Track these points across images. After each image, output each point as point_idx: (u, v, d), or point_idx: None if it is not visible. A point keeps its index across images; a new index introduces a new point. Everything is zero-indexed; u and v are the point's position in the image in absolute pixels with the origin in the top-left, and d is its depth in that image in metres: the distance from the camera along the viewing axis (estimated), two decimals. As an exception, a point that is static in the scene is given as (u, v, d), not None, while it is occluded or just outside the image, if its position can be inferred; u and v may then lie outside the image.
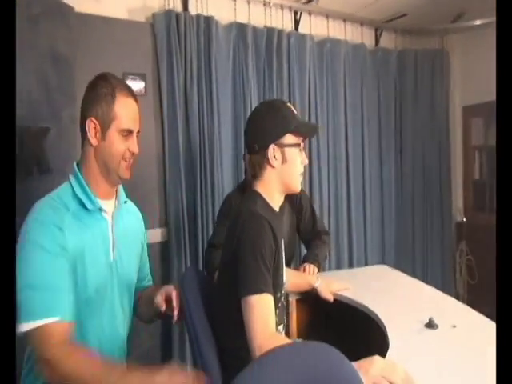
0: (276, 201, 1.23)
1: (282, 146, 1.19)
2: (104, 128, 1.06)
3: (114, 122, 1.06)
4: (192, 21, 2.49)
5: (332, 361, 0.72)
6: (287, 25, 2.98)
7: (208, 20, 2.53)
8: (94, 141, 1.06)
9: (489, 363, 1.02)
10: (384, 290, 1.74)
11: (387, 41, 3.53)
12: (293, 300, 1.79)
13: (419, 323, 1.35)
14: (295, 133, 1.21)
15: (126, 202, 1.23)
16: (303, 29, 3.04)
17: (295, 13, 3.03)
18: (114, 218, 1.13)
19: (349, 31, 3.31)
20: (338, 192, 3.16)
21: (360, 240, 3.28)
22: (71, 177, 1.08)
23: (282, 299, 1.22)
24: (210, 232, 2.42)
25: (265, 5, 2.84)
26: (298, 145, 1.22)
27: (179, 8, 2.54)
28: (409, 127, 3.52)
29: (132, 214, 1.26)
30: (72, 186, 1.06)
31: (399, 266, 3.40)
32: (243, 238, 1.05)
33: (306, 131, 1.27)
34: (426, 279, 3.41)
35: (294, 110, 1.26)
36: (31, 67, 1.90)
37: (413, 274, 3.38)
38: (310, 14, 3.08)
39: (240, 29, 2.69)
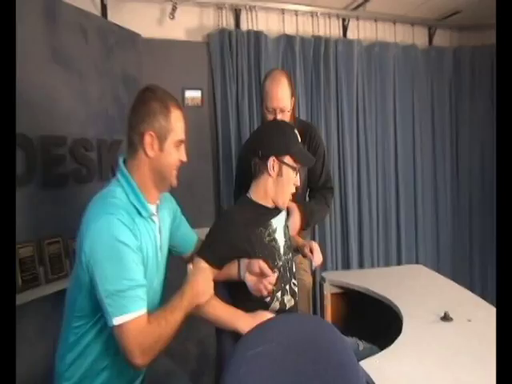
0: (268, 201, 1.41)
1: (280, 162, 1.38)
2: (161, 140, 1.11)
3: (170, 134, 1.12)
4: (243, 37, 2.74)
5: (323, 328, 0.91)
6: (335, 32, 3.10)
7: (258, 35, 2.77)
8: (151, 153, 1.10)
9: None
10: (410, 286, 1.84)
11: (441, 39, 3.50)
12: (327, 293, 1.95)
13: (435, 316, 1.46)
14: (293, 157, 1.39)
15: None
16: (351, 34, 3.16)
17: (343, 20, 3.15)
18: (159, 219, 1.21)
19: (399, 32, 3.34)
20: (387, 194, 3.23)
21: (410, 241, 3.31)
22: (125, 186, 1.11)
23: (282, 270, 1.39)
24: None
25: (312, 15, 3.00)
26: (294, 168, 1.40)
27: (232, 25, 2.80)
28: (466, 127, 3.46)
29: (165, 203, 1.28)
30: (127, 194, 1.10)
31: (455, 270, 3.38)
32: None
33: (302, 159, 1.43)
34: (485, 291, 3.34)
35: (299, 138, 1.45)
36: (108, 89, 2.28)
37: (470, 282, 3.34)
38: (357, 19, 3.18)
39: (288, 40, 2.88)
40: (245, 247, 1.32)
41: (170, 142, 1.12)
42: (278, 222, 1.45)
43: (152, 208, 1.16)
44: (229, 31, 2.72)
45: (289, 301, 1.41)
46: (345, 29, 3.16)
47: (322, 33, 3.01)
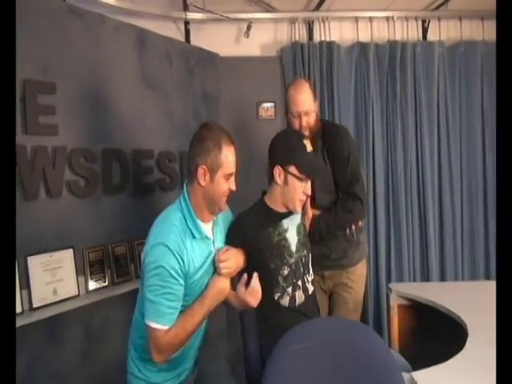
0: (279, 207, 1.50)
1: (285, 171, 1.45)
2: (212, 173, 1.28)
3: (220, 168, 1.28)
4: (315, 48, 2.84)
5: (366, 335, 0.96)
6: (413, 35, 3.04)
7: (330, 45, 2.85)
8: (203, 183, 1.29)
9: None
10: (481, 303, 1.75)
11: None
12: (394, 304, 1.94)
13: None
14: (298, 168, 1.44)
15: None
16: (431, 36, 3.06)
17: (423, 21, 3.07)
18: (214, 234, 1.39)
19: (489, 29, 3.14)
20: (473, 206, 3.05)
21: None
22: (184, 208, 1.30)
23: (293, 267, 1.47)
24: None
25: (388, 20, 2.98)
26: (299, 178, 1.44)
27: (305, 38, 2.92)
28: None
29: (222, 218, 1.47)
30: (185, 218, 1.29)
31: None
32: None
33: (307, 170, 1.45)
34: None
35: (308, 148, 1.47)
36: (189, 106, 2.56)
37: None
38: (438, 19, 3.06)
39: (361, 48, 2.91)
40: (253, 246, 1.42)
41: (220, 175, 1.29)
42: (290, 222, 1.51)
43: (207, 226, 1.37)
44: (301, 44, 2.85)
45: (299, 297, 1.49)
46: (425, 31, 3.08)
47: (398, 37, 2.98)
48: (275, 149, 1.50)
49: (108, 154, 1.95)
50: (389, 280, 2.94)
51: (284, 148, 1.47)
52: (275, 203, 1.50)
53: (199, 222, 1.31)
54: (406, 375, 1.26)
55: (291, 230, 1.51)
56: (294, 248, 1.50)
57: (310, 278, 1.55)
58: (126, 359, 1.44)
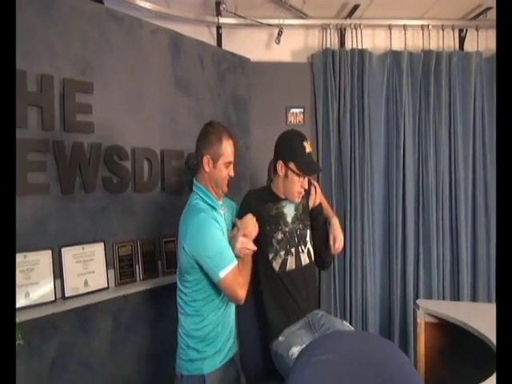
0: (281, 193, 1.75)
1: (286, 166, 1.69)
2: (215, 161, 1.59)
3: (221, 157, 1.59)
4: (347, 56, 2.88)
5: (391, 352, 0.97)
6: (449, 45, 3.03)
7: (362, 53, 2.88)
8: (208, 169, 1.60)
9: None
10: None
11: None
12: (421, 322, 1.91)
13: None
14: (297, 166, 1.67)
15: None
16: (468, 46, 3.05)
17: (460, 31, 3.06)
18: (224, 211, 1.70)
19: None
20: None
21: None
22: (199, 192, 1.61)
23: (287, 235, 1.71)
24: (358, 238, 2.84)
25: (423, 29, 2.99)
26: (297, 174, 1.67)
27: (336, 45, 2.96)
28: None
29: (227, 202, 1.79)
30: (204, 200, 1.60)
31: None
32: None
33: (304, 169, 1.67)
34: None
35: (307, 149, 1.69)
36: (220, 109, 2.63)
37: None
38: (476, 29, 3.05)
39: (394, 56, 2.93)
40: (255, 216, 1.67)
41: (221, 163, 1.60)
42: (289, 202, 1.76)
43: (220, 203, 1.68)
44: (332, 51, 2.89)
45: (290, 262, 1.71)
46: (461, 40, 3.07)
47: (433, 47, 2.98)
48: (280, 146, 1.75)
49: (139, 153, 2.03)
50: (416, 297, 2.91)
51: (287, 146, 1.72)
52: (278, 191, 1.77)
53: (214, 197, 1.62)
54: None
55: (289, 207, 1.77)
56: (289, 219, 1.75)
57: (305, 250, 1.76)
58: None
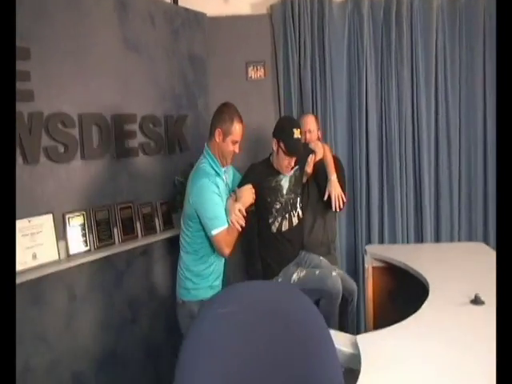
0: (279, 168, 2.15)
1: (278, 144, 2.09)
2: (225, 136, 1.89)
3: (230, 135, 1.89)
4: (306, 5, 2.82)
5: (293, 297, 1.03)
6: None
7: (322, 1, 2.82)
8: (218, 140, 1.90)
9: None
10: (454, 265, 1.80)
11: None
12: (369, 266, 2.03)
13: (466, 298, 1.48)
14: (284, 145, 2.04)
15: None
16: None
17: (423, -30, 2.96)
18: (227, 177, 2.02)
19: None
20: (472, 163, 3.05)
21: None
22: (208, 157, 1.92)
23: (283, 204, 2.17)
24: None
25: (384, -29, 2.89)
26: (285, 153, 2.05)
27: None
28: None
29: (230, 170, 2.12)
30: (211, 166, 1.91)
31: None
32: None
33: (289, 150, 2.04)
34: None
35: (296, 134, 2.05)
36: (175, 69, 2.62)
37: None
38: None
39: (355, 3, 2.86)
40: (258, 187, 2.04)
41: (229, 139, 1.90)
42: (283, 175, 2.16)
43: (223, 170, 1.99)
44: (291, 0, 2.82)
45: (285, 225, 2.18)
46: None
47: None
48: (276, 126, 2.18)
49: (87, 119, 2.03)
50: (382, 242, 3.03)
51: (280, 127, 2.14)
52: (275, 164, 2.17)
53: (219, 164, 1.93)
54: (351, 337, 1.36)
55: (285, 180, 2.19)
56: (284, 192, 2.20)
57: (295, 214, 2.23)
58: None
